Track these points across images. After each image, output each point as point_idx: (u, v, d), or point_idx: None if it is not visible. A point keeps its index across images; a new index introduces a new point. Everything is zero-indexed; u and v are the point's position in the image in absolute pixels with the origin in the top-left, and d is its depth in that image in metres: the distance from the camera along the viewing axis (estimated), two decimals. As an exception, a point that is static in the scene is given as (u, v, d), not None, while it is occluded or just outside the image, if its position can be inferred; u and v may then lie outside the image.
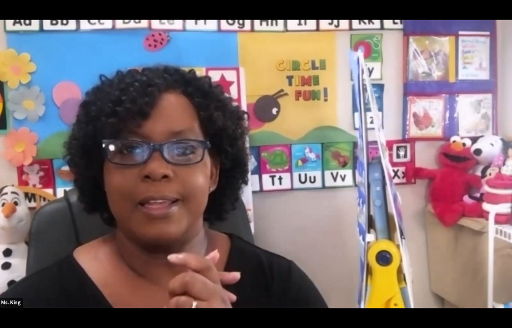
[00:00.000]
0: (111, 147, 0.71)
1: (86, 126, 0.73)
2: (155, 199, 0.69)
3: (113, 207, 0.74)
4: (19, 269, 1.89)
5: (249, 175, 0.86)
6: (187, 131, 0.72)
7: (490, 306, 2.01)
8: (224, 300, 0.63)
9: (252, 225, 1.80)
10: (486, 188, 2.13)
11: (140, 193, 0.69)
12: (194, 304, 0.60)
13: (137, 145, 0.70)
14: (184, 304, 0.60)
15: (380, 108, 2.43)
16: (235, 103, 0.82)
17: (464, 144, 2.40)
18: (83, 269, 0.75)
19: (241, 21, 2.30)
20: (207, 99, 0.75)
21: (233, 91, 2.21)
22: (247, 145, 0.84)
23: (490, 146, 2.35)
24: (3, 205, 1.96)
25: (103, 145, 0.71)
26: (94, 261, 0.77)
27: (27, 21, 2.12)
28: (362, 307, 1.82)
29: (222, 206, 0.83)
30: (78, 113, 0.76)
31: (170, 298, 0.61)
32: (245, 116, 0.83)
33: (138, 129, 0.70)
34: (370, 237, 1.81)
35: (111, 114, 0.70)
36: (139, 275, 0.76)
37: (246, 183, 0.85)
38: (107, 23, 2.18)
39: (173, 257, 0.64)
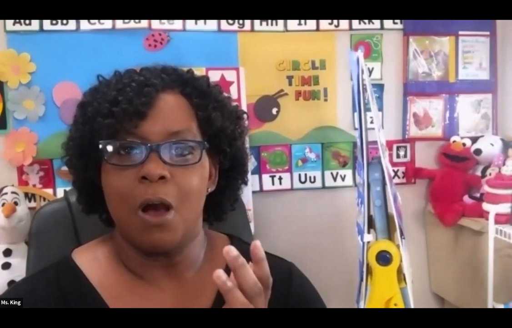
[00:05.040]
0: (108, 148, 0.70)
1: (83, 127, 0.73)
2: (152, 202, 0.68)
3: (111, 210, 0.73)
4: (19, 269, 1.89)
5: (248, 175, 0.85)
6: (185, 131, 0.71)
7: (490, 306, 2.00)
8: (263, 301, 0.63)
9: (252, 225, 1.80)
10: (486, 188, 2.13)
11: (138, 195, 0.68)
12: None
13: (134, 146, 0.70)
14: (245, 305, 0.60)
15: (380, 108, 2.43)
16: (234, 103, 0.81)
17: (464, 144, 2.40)
18: (81, 270, 0.75)
19: (241, 21, 2.30)
20: (205, 99, 0.75)
21: (233, 91, 2.21)
22: (247, 145, 0.83)
23: (490, 146, 2.35)
24: (3, 205, 1.96)
25: (100, 146, 0.70)
26: (92, 262, 0.77)
27: (27, 21, 2.12)
28: (361, 307, 1.82)
29: (221, 206, 0.83)
30: (75, 114, 0.75)
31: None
32: (244, 116, 0.82)
33: (135, 130, 0.69)
34: (370, 237, 1.81)
35: (108, 115, 0.69)
36: (137, 276, 0.75)
37: (245, 183, 0.84)
38: (107, 23, 2.17)
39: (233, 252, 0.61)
